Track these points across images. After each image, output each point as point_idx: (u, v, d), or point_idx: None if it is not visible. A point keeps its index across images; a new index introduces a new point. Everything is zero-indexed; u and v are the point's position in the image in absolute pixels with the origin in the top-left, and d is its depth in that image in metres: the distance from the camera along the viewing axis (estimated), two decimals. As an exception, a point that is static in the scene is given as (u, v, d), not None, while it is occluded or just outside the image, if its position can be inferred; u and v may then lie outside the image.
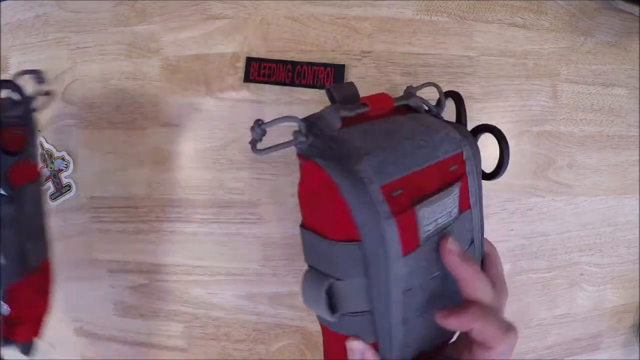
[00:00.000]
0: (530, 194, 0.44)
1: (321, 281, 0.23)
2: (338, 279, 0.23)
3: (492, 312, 0.23)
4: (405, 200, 0.22)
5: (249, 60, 0.40)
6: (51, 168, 0.44)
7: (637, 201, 0.47)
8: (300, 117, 0.25)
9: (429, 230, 0.23)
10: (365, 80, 0.40)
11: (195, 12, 0.41)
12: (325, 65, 0.40)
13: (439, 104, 0.30)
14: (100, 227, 0.44)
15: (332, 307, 0.24)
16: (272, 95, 0.40)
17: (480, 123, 0.29)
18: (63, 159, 0.44)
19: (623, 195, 0.46)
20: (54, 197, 0.44)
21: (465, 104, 0.42)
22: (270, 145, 0.23)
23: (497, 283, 0.27)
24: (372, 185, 0.21)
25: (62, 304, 0.46)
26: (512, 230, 0.44)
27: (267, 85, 0.40)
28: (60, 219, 0.45)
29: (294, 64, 0.40)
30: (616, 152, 0.45)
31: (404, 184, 0.22)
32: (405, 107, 0.29)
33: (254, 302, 0.43)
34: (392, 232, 0.21)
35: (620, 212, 0.46)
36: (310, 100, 0.40)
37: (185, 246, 0.43)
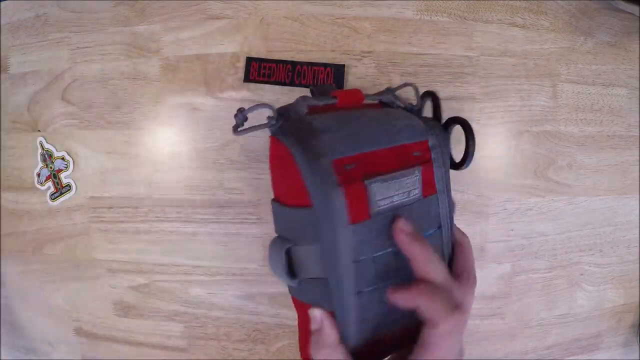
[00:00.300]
0: (530, 194, 0.44)
1: (282, 245, 0.26)
2: (296, 244, 0.26)
3: (439, 291, 0.24)
4: (357, 174, 0.24)
5: (249, 60, 0.40)
6: (51, 168, 0.44)
7: (637, 201, 0.47)
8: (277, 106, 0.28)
9: (382, 206, 0.25)
10: (365, 80, 0.40)
11: (195, 12, 0.41)
12: (325, 65, 0.40)
13: (418, 102, 0.33)
14: (100, 227, 0.44)
15: (293, 273, 0.26)
16: (272, 95, 0.40)
17: (453, 116, 0.31)
18: (63, 159, 0.44)
19: (623, 195, 0.46)
20: (54, 197, 0.44)
21: (465, 103, 0.42)
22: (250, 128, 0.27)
23: (463, 271, 0.28)
24: (324, 158, 0.24)
25: (62, 304, 0.46)
26: (512, 230, 0.44)
27: (267, 85, 0.40)
28: (60, 219, 0.45)
29: (294, 64, 0.40)
30: (616, 152, 0.45)
31: (357, 161, 0.25)
32: (380, 103, 0.32)
33: (254, 302, 0.43)
34: (338, 199, 0.23)
35: (620, 212, 0.46)
36: (310, 100, 0.40)
37: (185, 246, 0.43)
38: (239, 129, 0.27)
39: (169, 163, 0.42)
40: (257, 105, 0.27)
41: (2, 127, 0.46)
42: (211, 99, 0.41)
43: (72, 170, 0.44)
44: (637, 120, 0.46)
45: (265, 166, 0.41)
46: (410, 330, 0.27)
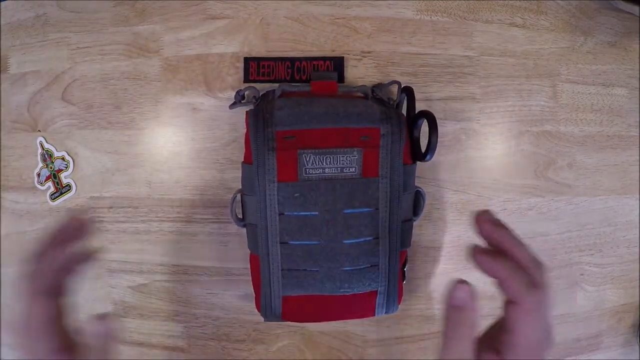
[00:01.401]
0: (530, 194, 0.44)
1: (235, 193, 0.33)
2: (244, 194, 0.33)
3: (521, 270, 0.24)
4: (294, 144, 0.30)
5: (247, 61, 0.40)
6: (51, 168, 0.44)
7: (637, 201, 0.47)
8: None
9: (311, 174, 0.30)
10: (365, 80, 0.40)
11: (195, 12, 0.41)
12: (324, 58, 0.40)
13: (397, 97, 0.37)
14: (100, 227, 0.44)
15: (243, 218, 0.34)
16: (272, 95, 0.40)
17: (422, 109, 0.34)
18: (63, 159, 0.44)
19: (623, 195, 0.46)
20: (54, 197, 0.44)
21: (465, 103, 0.42)
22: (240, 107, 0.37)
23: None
24: (269, 128, 0.30)
25: (62, 304, 0.46)
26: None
27: (267, 85, 0.40)
28: (60, 219, 0.45)
29: (292, 60, 0.40)
30: (616, 152, 0.45)
31: (297, 134, 0.30)
32: (357, 94, 0.36)
33: (253, 302, 0.43)
34: (271, 160, 0.30)
35: (620, 212, 0.46)
36: (310, 100, 0.40)
37: (185, 246, 0.43)
38: (232, 105, 0.36)
39: (169, 163, 0.42)
40: (248, 87, 0.36)
41: (2, 127, 0.46)
42: (211, 99, 0.41)
43: (72, 170, 0.44)
44: (637, 120, 0.46)
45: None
46: (347, 302, 0.33)
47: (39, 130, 0.45)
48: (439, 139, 0.42)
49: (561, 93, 0.44)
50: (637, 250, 0.47)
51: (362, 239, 0.31)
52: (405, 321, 0.43)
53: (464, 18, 0.41)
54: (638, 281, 0.48)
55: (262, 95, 0.35)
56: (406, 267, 0.37)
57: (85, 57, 0.43)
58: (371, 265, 0.32)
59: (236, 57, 0.41)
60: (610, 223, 0.46)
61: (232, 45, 0.41)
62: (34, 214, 0.45)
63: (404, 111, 0.37)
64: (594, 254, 0.46)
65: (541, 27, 0.43)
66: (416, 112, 0.36)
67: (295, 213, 0.30)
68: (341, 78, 0.40)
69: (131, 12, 0.42)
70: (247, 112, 0.34)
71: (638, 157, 0.46)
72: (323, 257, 0.31)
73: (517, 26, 0.42)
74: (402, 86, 0.37)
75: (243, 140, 0.41)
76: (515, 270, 0.24)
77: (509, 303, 0.24)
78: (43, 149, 0.44)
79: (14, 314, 0.25)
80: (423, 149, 0.34)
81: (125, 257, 0.44)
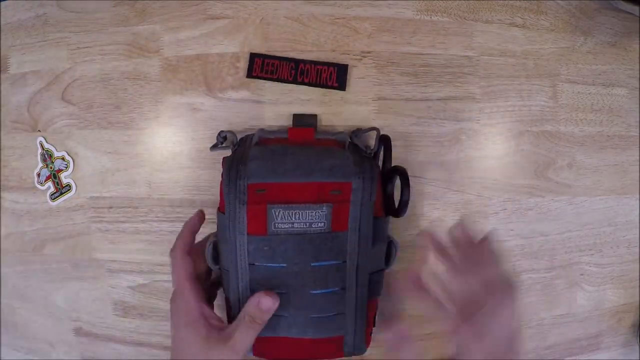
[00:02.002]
0: (530, 194, 0.44)
1: (212, 239, 0.34)
2: (219, 241, 0.33)
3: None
4: (264, 198, 0.31)
5: (253, 56, 0.40)
6: (51, 168, 0.44)
7: (637, 201, 0.47)
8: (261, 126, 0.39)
9: (280, 228, 0.31)
10: (366, 80, 0.40)
11: (195, 12, 0.41)
12: (328, 64, 0.40)
13: (375, 146, 0.36)
14: (100, 227, 0.44)
15: (218, 261, 0.34)
16: (272, 95, 0.40)
17: (397, 165, 0.36)
18: (63, 159, 0.44)
19: (623, 195, 0.46)
20: (54, 197, 0.44)
21: (465, 103, 0.42)
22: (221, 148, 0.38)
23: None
24: (241, 180, 0.31)
25: (62, 304, 0.46)
26: (512, 230, 0.44)
27: (267, 86, 0.40)
28: (60, 219, 0.45)
29: (297, 62, 0.39)
30: (616, 152, 0.45)
31: (268, 187, 0.31)
32: (334, 141, 0.35)
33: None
34: (242, 214, 0.30)
35: (620, 212, 0.46)
36: (309, 101, 0.40)
37: (185, 246, 0.43)
38: (212, 147, 0.38)
39: (169, 163, 0.42)
40: (229, 131, 0.37)
41: (2, 127, 0.46)
42: (211, 99, 0.41)
43: (72, 170, 0.44)
44: (637, 120, 0.46)
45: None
46: (315, 344, 0.33)
47: (39, 130, 0.45)
48: (438, 139, 0.42)
49: (561, 93, 0.44)
50: (637, 250, 0.47)
51: (329, 289, 0.32)
52: (405, 321, 0.43)
53: (464, 18, 0.41)
54: (638, 281, 0.48)
55: (240, 140, 0.36)
56: (376, 315, 0.38)
57: (85, 57, 0.43)
58: (338, 314, 0.33)
59: (236, 57, 0.41)
60: (610, 223, 0.46)
61: (232, 45, 0.41)
62: (34, 214, 0.46)
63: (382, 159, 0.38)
64: (594, 254, 0.46)
65: (541, 27, 0.43)
66: (392, 164, 0.36)
67: (264, 264, 0.31)
68: (342, 86, 0.40)
69: (131, 12, 0.42)
70: (223, 159, 0.34)
71: (638, 157, 0.46)
72: (291, 306, 0.32)
73: (517, 26, 0.42)
74: (380, 134, 0.37)
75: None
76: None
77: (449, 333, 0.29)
78: (43, 149, 0.44)
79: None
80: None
81: (125, 257, 0.44)
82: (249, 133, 0.37)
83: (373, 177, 0.32)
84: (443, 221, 0.42)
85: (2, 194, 0.47)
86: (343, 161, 0.32)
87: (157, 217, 0.43)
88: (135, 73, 0.42)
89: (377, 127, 0.37)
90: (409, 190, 0.34)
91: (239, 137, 0.37)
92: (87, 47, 0.43)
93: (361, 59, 0.40)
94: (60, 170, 0.44)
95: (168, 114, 0.42)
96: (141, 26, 0.42)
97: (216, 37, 0.41)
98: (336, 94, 0.40)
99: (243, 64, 0.41)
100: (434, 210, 0.42)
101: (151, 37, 0.42)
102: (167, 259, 0.43)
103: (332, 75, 0.40)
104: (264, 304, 0.30)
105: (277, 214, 0.30)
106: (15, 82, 0.45)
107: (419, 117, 0.41)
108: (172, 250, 0.34)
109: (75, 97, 0.43)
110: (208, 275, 0.36)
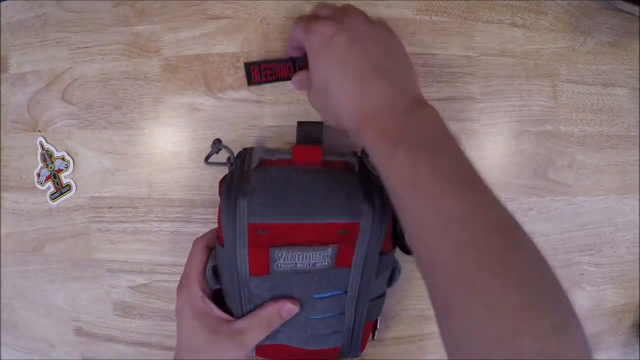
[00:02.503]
0: (530, 194, 0.44)
1: (214, 260, 0.32)
2: (219, 266, 0.32)
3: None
4: (266, 240, 0.28)
5: (248, 66, 0.39)
6: (51, 168, 0.44)
7: (637, 201, 0.47)
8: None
9: (283, 267, 0.29)
10: (365, 80, 0.40)
11: (195, 12, 0.41)
12: None
13: None
14: (100, 227, 0.44)
15: (219, 280, 0.33)
16: (272, 95, 0.40)
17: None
18: (63, 159, 0.44)
19: (623, 195, 0.46)
20: (54, 197, 0.44)
21: (465, 103, 0.42)
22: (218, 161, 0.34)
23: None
24: (241, 219, 0.28)
25: (62, 304, 0.46)
26: (512, 230, 0.44)
27: (267, 85, 0.40)
28: (60, 219, 0.45)
29: (294, 60, 0.39)
30: (616, 152, 0.45)
31: (270, 228, 0.28)
32: (343, 162, 0.32)
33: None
34: (243, 257, 0.29)
35: (620, 212, 0.46)
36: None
37: (185, 246, 0.42)
38: (208, 160, 0.33)
39: (169, 163, 0.42)
40: (226, 147, 0.33)
41: (2, 127, 0.46)
42: (211, 99, 0.41)
43: (72, 170, 0.44)
44: (637, 120, 0.46)
45: (265, 166, 0.41)
46: (314, 351, 0.33)
47: (39, 130, 0.45)
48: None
49: (561, 93, 0.44)
50: (637, 250, 0.47)
51: (328, 315, 0.32)
52: (405, 321, 0.43)
53: (464, 18, 0.41)
54: (638, 281, 0.48)
55: (237, 156, 0.33)
56: (377, 328, 0.38)
57: (85, 57, 0.43)
58: (336, 332, 0.33)
59: (236, 57, 0.41)
60: (610, 223, 0.46)
61: (232, 45, 0.41)
62: (34, 214, 0.46)
63: None
64: (594, 254, 0.46)
65: (541, 27, 0.43)
66: None
67: (266, 294, 0.31)
68: None
69: (131, 12, 0.42)
70: (220, 182, 0.32)
71: (638, 157, 0.46)
72: (292, 326, 0.32)
73: (517, 26, 0.42)
74: None
75: (244, 141, 0.41)
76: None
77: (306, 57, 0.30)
78: (43, 149, 0.44)
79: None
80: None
81: (125, 257, 0.44)
82: (248, 146, 0.33)
83: (383, 212, 0.29)
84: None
85: (2, 194, 0.47)
86: (352, 196, 0.29)
87: (157, 217, 0.43)
88: (135, 73, 0.42)
89: None
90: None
91: (235, 152, 0.33)
92: (87, 47, 0.43)
93: (361, 59, 0.40)
94: (60, 170, 0.44)
95: (168, 114, 0.42)
96: (141, 26, 0.42)
97: (216, 37, 0.41)
98: (336, 94, 0.40)
99: (243, 65, 0.41)
100: (434, 210, 0.42)
101: (151, 37, 0.42)
102: (167, 258, 0.43)
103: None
104: (285, 312, 0.30)
105: (279, 255, 0.29)
106: (15, 82, 0.45)
107: (419, 117, 0.41)
108: (196, 239, 0.34)
109: (75, 97, 0.43)
110: None
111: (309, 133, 0.34)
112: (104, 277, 0.44)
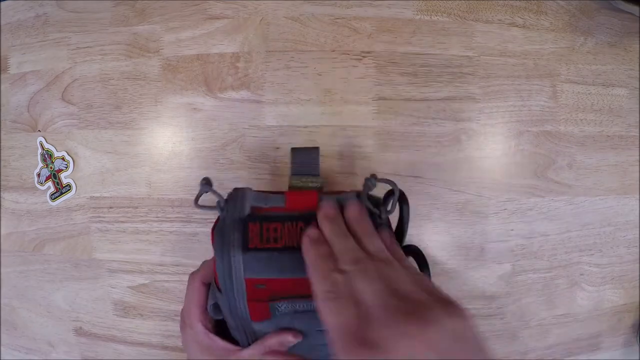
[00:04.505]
0: (530, 194, 0.44)
1: (214, 297, 0.30)
2: (220, 304, 0.30)
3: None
4: (265, 294, 0.27)
5: (246, 222, 0.28)
6: (51, 168, 0.44)
7: (637, 201, 0.47)
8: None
9: (284, 311, 0.28)
10: (366, 80, 0.40)
11: (195, 12, 0.41)
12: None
13: (391, 208, 0.29)
14: (100, 227, 0.44)
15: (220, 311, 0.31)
16: (272, 95, 0.40)
17: (410, 244, 0.30)
18: (63, 159, 0.44)
19: (623, 195, 0.46)
20: (54, 197, 0.44)
21: (465, 103, 0.42)
22: (210, 204, 0.30)
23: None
24: (237, 274, 0.27)
25: (62, 304, 0.46)
26: (512, 230, 0.44)
27: (267, 85, 0.40)
28: (60, 219, 0.45)
29: (305, 217, 0.28)
30: (616, 152, 0.45)
31: (267, 283, 0.27)
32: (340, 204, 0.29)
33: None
34: (243, 307, 0.28)
35: (620, 212, 0.46)
36: (310, 101, 0.40)
37: (185, 246, 0.43)
38: (198, 202, 0.29)
39: (169, 163, 0.42)
40: (216, 192, 0.29)
41: (2, 127, 0.46)
42: (211, 99, 0.41)
43: (72, 170, 0.44)
44: (637, 120, 0.46)
45: (266, 166, 0.41)
46: None
47: (39, 130, 0.45)
48: (438, 139, 0.42)
49: (561, 93, 0.44)
50: (637, 250, 0.47)
51: None
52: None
53: (464, 18, 0.41)
54: (638, 281, 0.48)
55: (227, 200, 0.29)
56: None
57: (85, 57, 0.43)
58: None
59: (236, 57, 0.41)
60: (610, 223, 0.46)
61: (232, 45, 0.41)
62: (34, 214, 0.46)
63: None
64: (594, 254, 0.46)
65: (541, 27, 0.43)
66: (402, 230, 0.31)
67: (270, 331, 0.30)
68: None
69: (131, 12, 0.42)
70: (212, 231, 0.29)
71: (638, 157, 0.46)
72: (297, 350, 0.31)
73: (517, 26, 0.42)
74: (399, 194, 0.29)
75: (243, 141, 0.41)
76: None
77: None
78: (43, 149, 0.44)
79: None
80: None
81: (125, 257, 0.44)
82: (238, 187, 0.30)
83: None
84: (443, 221, 0.42)
85: (2, 194, 0.47)
86: None
87: (157, 217, 0.43)
88: (135, 73, 0.42)
89: (392, 180, 0.29)
90: (429, 271, 0.29)
91: (225, 195, 0.30)
92: (87, 47, 0.43)
93: (361, 59, 0.40)
94: (60, 170, 0.44)
95: (168, 114, 0.42)
96: (141, 26, 0.42)
97: (216, 37, 0.41)
98: (336, 93, 0.40)
99: (243, 64, 0.41)
100: (434, 210, 0.42)
101: (151, 37, 0.42)
102: (167, 259, 0.43)
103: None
104: (289, 341, 0.29)
105: (280, 305, 0.28)
106: (15, 82, 0.45)
107: (419, 117, 0.41)
108: (193, 274, 0.33)
109: (75, 97, 0.43)
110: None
111: (305, 162, 0.32)
112: (104, 277, 0.44)
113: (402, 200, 0.30)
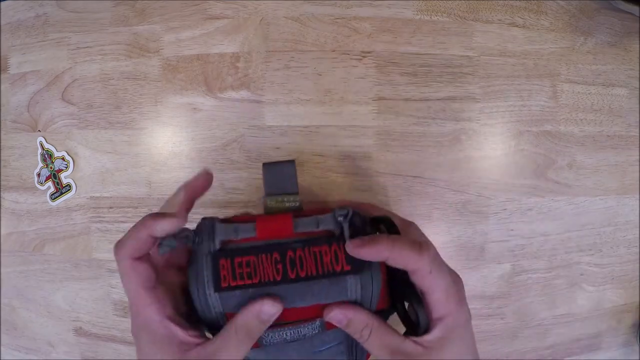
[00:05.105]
0: (530, 194, 0.44)
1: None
2: None
3: (401, 238, 0.25)
4: None
5: (216, 257, 0.25)
6: (51, 168, 0.44)
7: (637, 201, 0.47)
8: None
9: (272, 342, 0.26)
10: (366, 80, 0.41)
11: (195, 12, 0.41)
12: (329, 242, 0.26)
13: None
14: (100, 227, 0.44)
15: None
16: (272, 95, 0.40)
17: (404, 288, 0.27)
18: (63, 159, 0.44)
19: (623, 195, 0.46)
20: (54, 197, 0.44)
21: (465, 103, 0.42)
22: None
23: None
24: (217, 309, 0.25)
25: (62, 304, 0.46)
26: (512, 230, 0.44)
27: (267, 85, 0.40)
28: (60, 219, 0.45)
29: (282, 248, 0.25)
30: (616, 152, 0.45)
31: None
32: (324, 231, 0.26)
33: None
34: None
35: (620, 212, 0.46)
36: (309, 101, 0.40)
37: (185, 246, 0.43)
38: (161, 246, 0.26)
39: (169, 163, 0.42)
40: (180, 232, 0.26)
41: (2, 127, 0.46)
42: (211, 99, 0.41)
43: (72, 170, 0.44)
44: (637, 120, 0.46)
45: (265, 166, 0.41)
46: None
47: (39, 130, 0.45)
48: (438, 139, 0.42)
49: (561, 93, 0.44)
50: (637, 250, 0.47)
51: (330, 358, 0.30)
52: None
53: (464, 18, 0.41)
54: (638, 281, 0.48)
55: (195, 234, 0.26)
56: None
57: (85, 57, 0.43)
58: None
59: (236, 57, 0.41)
60: (610, 223, 0.46)
61: (232, 45, 0.41)
62: (34, 214, 0.46)
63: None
64: (594, 254, 0.46)
65: (541, 27, 0.43)
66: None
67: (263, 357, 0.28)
68: (358, 268, 0.28)
69: (131, 12, 0.42)
70: (188, 270, 0.26)
71: (638, 157, 0.46)
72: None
73: (517, 26, 0.42)
74: (371, 218, 0.28)
75: (243, 141, 0.41)
76: (397, 241, 0.24)
77: (410, 273, 0.25)
78: (43, 149, 0.44)
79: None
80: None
81: (125, 257, 0.44)
82: (207, 216, 0.28)
83: (372, 274, 0.25)
84: (443, 221, 0.42)
85: (2, 194, 0.47)
86: (334, 277, 0.25)
87: (157, 217, 0.43)
88: (135, 73, 0.42)
89: (370, 203, 0.28)
90: (424, 310, 0.26)
91: (191, 232, 0.27)
92: (87, 47, 0.43)
93: (361, 59, 0.40)
94: (60, 170, 0.44)
95: (168, 114, 0.42)
96: (141, 26, 0.42)
97: (216, 37, 0.41)
98: (336, 93, 0.40)
99: (243, 64, 0.41)
100: (434, 210, 0.42)
101: (151, 37, 0.42)
102: (167, 259, 0.43)
103: (339, 254, 0.25)
104: (266, 313, 0.24)
105: (266, 335, 0.26)
106: (15, 82, 0.45)
107: (419, 117, 0.41)
108: (118, 248, 0.25)
109: (75, 97, 0.43)
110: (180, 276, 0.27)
111: (280, 178, 0.29)
112: (104, 277, 0.44)
113: (392, 230, 0.28)
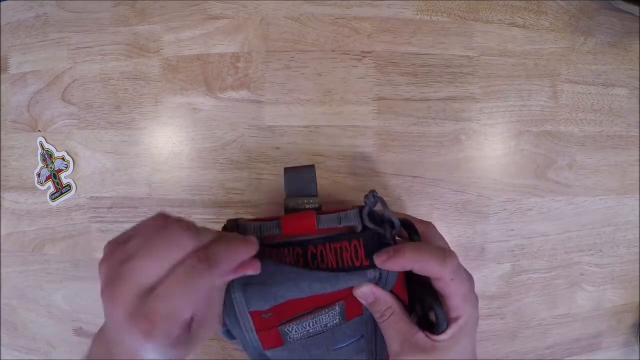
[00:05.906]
0: (530, 194, 0.44)
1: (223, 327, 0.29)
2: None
3: (425, 247, 0.25)
4: (273, 321, 0.27)
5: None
6: (51, 168, 0.44)
7: (637, 201, 0.47)
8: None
9: (296, 336, 0.28)
10: (366, 80, 0.41)
11: (195, 12, 0.41)
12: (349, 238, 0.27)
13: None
14: (100, 227, 0.44)
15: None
16: (272, 95, 0.40)
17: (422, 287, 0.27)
18: (63, 159, 0.44)
19: (623, 195, 0.46)
20: (54, 197, 0.44)
21: (465, 103, 0.42)
22: None
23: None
24: (241, 309, 0.26)
25: (62, 304, 0.46)
26: (512, 230, 0.44)
27: (267, 85, 0.40)
28: (60, 219, 0.45)
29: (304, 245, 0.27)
30: (616, 152, 0.45)
31: (273, 310, 0.26)
32: (346, 227, 0.27)
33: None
34: (252, 338, 0.27)
35: (620, 212, 0.46)
36: (309, 101, 0.40)
37: (185, 246, 0.43)
38: None
39: (169, 163, 0.42)
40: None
41: (2, 127, 0.46)
42: (211, 99, 0.41)
43: (72, 170, 0.44)
44: (637, 120, 0.46)
45: (266, 166, 0.41)
46: None
47: (39, 130, 0.45)
48: (438, 139, 0.42)
49: (561, 93, 0.44)
50: (637, 250, 0.47)
51: (347, 358, 0.32)
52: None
53: (464, 18, 0.41)
54: (638, 281, 0.48)
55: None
56: None
57: (85, 57, 0.43)
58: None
59: (236, 57, 0.41)
60: (610, 223, 0.46)
61: (232, 45, 0.41)
62: (34, 214, 0.46)
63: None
64: (594, 254, 0.46)
65: (541, 27, 0.43)
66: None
67: (286, 356, 0.30)
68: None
69: (131, 12, 0.42)
70: None
71: (638, 157, 0.46)
72: None
73: (517, 26, 0.42)
74: (400, 222, 0.27)
75: (243, 141, 0.41)
76: (421, 250, 0.25)
77: (434, 280, 0.26)
78: (43, 149, 0.44)
79: None
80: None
81: (125, 257, 0.44)
82: (231, 217, 0.29)
83: (389, 274, 0.26)
84: (443, 221, 0.42)
85: (2, 194, 0.47)
86: (353, 273, 0.26)
87: (157, 217, 0.43)
88: (135, 73, 0.42)
89: (397, 221, 0.26)
90: (443, 309, 0.26)
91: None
92: (87, 47, 0.43)
93: (361, 59, 0.40)
94: (60, 170, 0.44)
95: (168, 114, 0.42)
96: (141, 26, 0.42)
97: (216, 37, 0.41)
98: (336, 93, 0.40)
99: (243, 64, 0.41)
100: (434, 210, 0.42)
101: (151, 37, 0.42)
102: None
103: (359, 249, 0.26)
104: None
105: (290, 329, 0.27)
106: (15, 82, 0.45)
107: (419, 117, 0.41)
108: (105, 290, 0.20)
109: (75, 97, 0.43)
110: None
111: (300, 182, 0.30)
112: (104, 277, 0.44)
113: (410, 231, 0.28)
